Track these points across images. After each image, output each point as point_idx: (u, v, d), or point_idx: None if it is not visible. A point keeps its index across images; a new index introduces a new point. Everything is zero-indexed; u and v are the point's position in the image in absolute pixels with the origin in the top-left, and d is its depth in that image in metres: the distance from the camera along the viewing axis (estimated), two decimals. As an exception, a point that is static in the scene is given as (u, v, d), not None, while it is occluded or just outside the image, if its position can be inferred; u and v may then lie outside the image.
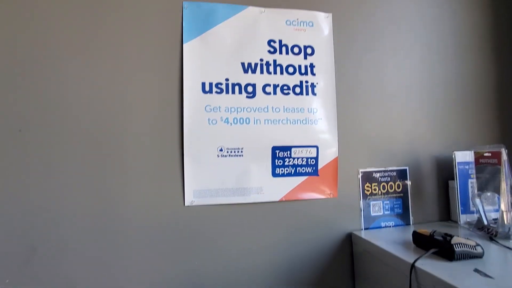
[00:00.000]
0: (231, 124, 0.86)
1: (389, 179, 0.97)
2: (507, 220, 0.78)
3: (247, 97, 0.87)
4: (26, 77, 0.76)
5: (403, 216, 0.97)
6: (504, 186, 0.78)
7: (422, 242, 0.73)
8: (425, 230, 0.74)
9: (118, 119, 0.81)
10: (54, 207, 0.76)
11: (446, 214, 1.01)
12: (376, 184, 0.96)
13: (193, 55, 0.85)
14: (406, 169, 0.98)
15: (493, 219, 0.84)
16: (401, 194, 0.97)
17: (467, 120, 1.05)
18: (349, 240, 0.93)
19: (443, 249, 0.66)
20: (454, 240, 0.65)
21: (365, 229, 0.94)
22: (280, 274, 0.87)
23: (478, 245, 0.66)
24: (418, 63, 1.02)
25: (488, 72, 1.08)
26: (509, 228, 0.77)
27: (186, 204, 0.83)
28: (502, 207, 0.79)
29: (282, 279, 0.87)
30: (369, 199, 0.95)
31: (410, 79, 1.01)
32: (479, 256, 0.65)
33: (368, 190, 0.95)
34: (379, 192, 0.96)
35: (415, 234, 0.75)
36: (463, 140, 1.04)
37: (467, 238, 0.67)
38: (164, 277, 0.81)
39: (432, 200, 1.00)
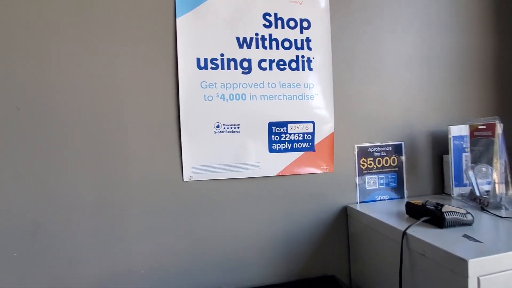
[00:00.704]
0: (227, 100, 0.86)
1: (384, 154, 0.98)
2: (498, 191, 0.79)
3: (242, 72, 0.87)
4: (22, 54, 0.75)
5: (398, 189, 0.99)
6: (497, 158, 0.79)
7: (414, 212, 0.75)
8: (418, 201, 0.76)
9: (114, 98, 0.80)
10: (57, 184, 0.78)
11: (440, 187, 1.03)
12: (371, 159, 0.97)
13: (186, 30, 0.83)
14: (401, 144, 0.99)
15: (486, 191, 0.85)
16: (396, 169, 0.99)
17: (463, 95, 1.05)
18: (345, 213, 0.95)
19: (434, 217, 0.68)
20: (445, 209, 0.67)
21: (360, 202, 0.96)
22: (277, 245, 0.90)
23: (468, 213, 0.68)
24: (417, 37, 1.01)
25: (486, 47, 1.07)
26: (501, 199, 0.79)
27: (184, 180, 0.85)
28: (495, 178, 0.80)
29: (279, 250, 0.91)
30: (364, 173, 0.97)
31: (408, 54, 1.00)
32: (469, 223, 0.67)
33: (363, 165, 0.96)
34: (375, 166, 0.97)
35: (408, 205, 0.77)
36: (459, 115, 1.04)
37: (458, 207, 0.69)
38: (165, 250, 0.84)
39: (426, 174, 1.02)
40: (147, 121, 0.82)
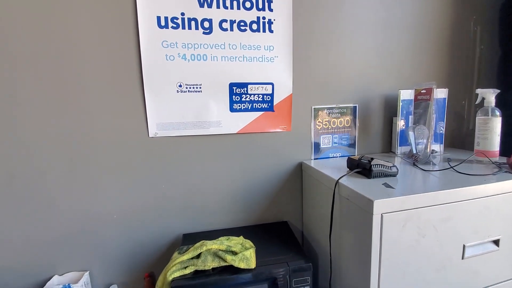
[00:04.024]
0: (188, 60, 0.89)
1: (339, 115, 1.06)
2: (429, 149, 0.90)
3: (203, 33, 0.89)
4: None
5: (350, 148, 1.09)
6: (430, 119, 0.89)
7: (352, 165, 0.85)
8: (357, 156, 0.86)
9: (75, 59, 0.83)
10: (27, 140, 0.83)
11: (388, 146, 1.14)
12: (327, 119, 1.05)
13: (145, -14, 0.83)
14: (355, 106, 1.07)
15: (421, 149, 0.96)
16: (349, 129, 1.08)
17: (418, 61, 1.10)
18: (300, 168, 1.06)
19: (365, 169, 0.79)
20: (374, 162, 0.77)
21: (314, 159, 1.07)
22: (237, 195, 1.02)
23: (394, 166, 0.79)
24: (377, 2, 1.03)
25: (443, 15, 1.10)
26: (429, 155, 0.90)
27: (150, 136, 0.91)
28: (428, 137, 0.90)
29: (239, 200, 1.02)
30: (320, 133, 1.05)
31: (368, 19, 1.03)
32: (394, 174, 0.78)
33: (319, 125, 1.05)
34: (329, 127, 1.06)
35: (348, 159, 0.87)
36: (412, 79, 1.11)
37: (387, 161, 0.80)
38: (134, 198, 0.94)
39: (377, 134, 1.11)
40: (111, 80, 0.86)
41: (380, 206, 0.62)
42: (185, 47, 0.88)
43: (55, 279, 0.91)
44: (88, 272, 0.93)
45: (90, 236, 0.92)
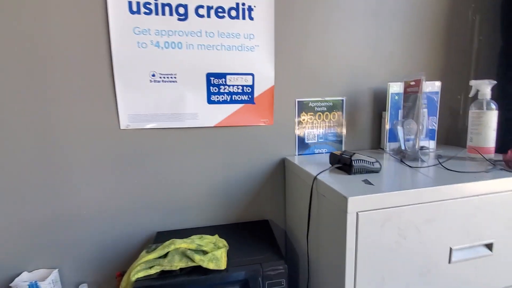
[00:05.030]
0: (162, 48, 0.85)
1: (325, 109, 1.00)
2: (417, 145, 0.84)
3: (178, 19, 0.84)
4: None
5: (336, 143, 1.04)
6: (418, 113, 0.83)
7: (334, 161, 0.80)
8: (339, 151, 0.80)
9: (40, 46, 0.78)
10: (-11, 127, 0.79)
11: (377, 142, 1.07)
12: (312, 113, 1.00)
13: (115, -32, 0.78)
14: (342, 100, 1.01)
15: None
16: (336, 124, 1.02)
17: (410, 53, 1.04)
18: (283, 164, 1.00)
19: (345, 165, 0.73)
20: (355, 157, 0.72)
21: (299, 155, 1.01)
22: (216, 192, 0.97)
23: (376, 161, 0.73)
24: (369, -13, 0.97)
25: (440, 4, 1.04)
26: (417, 151, 0.84)
27: (121, 128, 0.87)
28: (416, 133, 0.84)
29: (218, 196, 0.97)
30: (304, 127, 1.00)
31: (358, 8, 0.97)
32: (376, 171, 0.73)
33: (304, 119, 0.99)
34: (315, 121, 1.00)
35: (330, 155, 0.82)
36: (405, 72, 1.05)
37: (369, 156, 0.74)
38: (106, 193, 0.89)
39: (365, 130, 1.05)
40: (78, 68, 0.82)
41: (355, 203, 0.56)
42: (159, 34, 0.84)
43: (24, 275, 0.87)
44: (57, 270, 0.89)
45: (60, 233, 0.88)
